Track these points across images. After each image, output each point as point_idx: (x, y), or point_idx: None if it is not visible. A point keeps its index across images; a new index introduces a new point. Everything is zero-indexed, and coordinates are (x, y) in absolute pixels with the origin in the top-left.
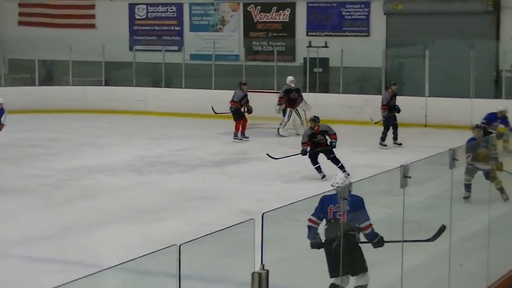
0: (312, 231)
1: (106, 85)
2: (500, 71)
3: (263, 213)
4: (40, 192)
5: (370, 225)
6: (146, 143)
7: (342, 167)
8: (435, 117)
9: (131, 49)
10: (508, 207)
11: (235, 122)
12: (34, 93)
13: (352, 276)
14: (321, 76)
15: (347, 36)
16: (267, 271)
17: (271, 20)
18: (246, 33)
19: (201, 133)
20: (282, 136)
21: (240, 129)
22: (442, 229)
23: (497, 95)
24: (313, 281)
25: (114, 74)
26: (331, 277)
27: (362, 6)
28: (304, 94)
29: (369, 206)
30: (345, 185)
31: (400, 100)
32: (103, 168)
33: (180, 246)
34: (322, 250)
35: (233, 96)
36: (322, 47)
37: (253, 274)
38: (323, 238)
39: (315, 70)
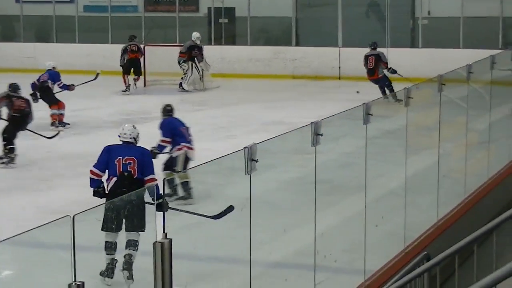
0: (95, 182)
1: None
2: (416, 19)
3: (164, 178)
4: None
5: (155, 179)
6: (37, 104)
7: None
8: (349, 69)
9: (17, 1)
10: (426, 162)
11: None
12: None
13: (129, 231)
14: (227, 28)
15: None
16: (170, 239)
17: None
18: None
19: (99, 92)
20: (185, 90)
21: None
22: (230, 209)
23: (414, 44)
24: (218, 247)
25: None
26: (103, 230)
27: None
28: (209, 47)
29: (280, 166)
30: (252, 146)
31: (312, 51)
32: None
33: (74, 216)
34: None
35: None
36: None
37: (155, 243)
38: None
39: (220, 21)
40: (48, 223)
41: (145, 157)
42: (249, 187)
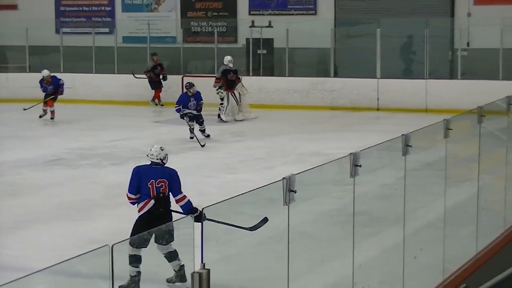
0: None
1: (30, 71)
2: (455, 50)
3: (203, 208)
4: None
5: (185, 196)
6: (77, 134)
7: None
8: (388, 100)
9: (57, 31)
10: (465, 194)
11: (153, 91)
12: None
13: (163, 245)
14: (266, 58)
15: (292, 15)
16: (208, 270)
17: None
18: (183, 13)
19: (137, 123)
20: (224, 121)
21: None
22: (265, 220)
23: (453, 75)
24: (257, 279)
25: (39, 59)
26: (135, 248)
27: None
28: (247, 78)
29: (318, 197)
30: (291, 176)
31: (351, 83)
32: (29, 162)
33: (113, 246)
34: (266, 248)
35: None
36: (266, 27)
37: (192, 274)
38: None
39: (258, 51)
40: (87, 252)
41: (174, 178)
42: (287, 218)
